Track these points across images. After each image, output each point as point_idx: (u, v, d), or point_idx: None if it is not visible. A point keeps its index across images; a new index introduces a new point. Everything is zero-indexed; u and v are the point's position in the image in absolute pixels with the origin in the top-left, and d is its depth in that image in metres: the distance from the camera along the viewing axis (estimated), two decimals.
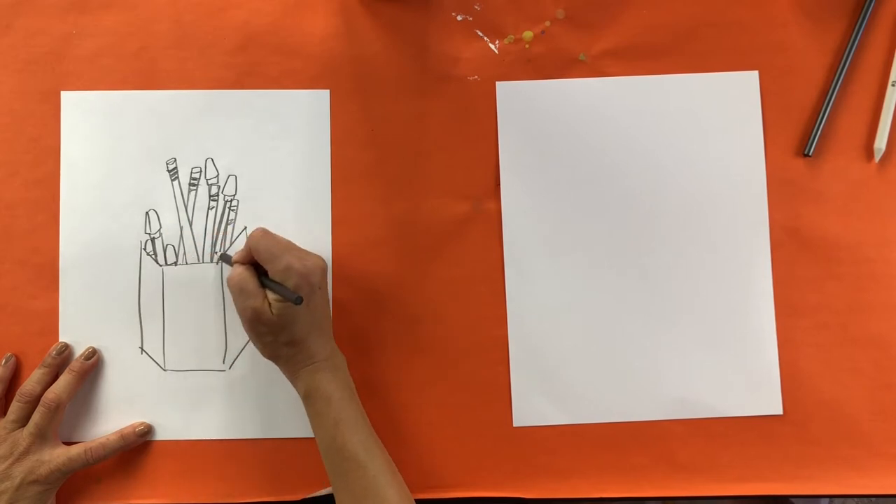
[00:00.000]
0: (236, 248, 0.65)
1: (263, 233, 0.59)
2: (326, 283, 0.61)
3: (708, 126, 0.67)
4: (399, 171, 0.67)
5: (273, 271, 0.58)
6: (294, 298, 0.55)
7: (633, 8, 0.68)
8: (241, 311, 0.58)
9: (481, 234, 0.66)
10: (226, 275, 0.62)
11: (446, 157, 0.67)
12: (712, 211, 0.66)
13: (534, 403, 0.65)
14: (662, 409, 0.65)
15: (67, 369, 0.63)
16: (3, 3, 0.67)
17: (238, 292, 0.58)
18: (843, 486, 0.65)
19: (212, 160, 0.66)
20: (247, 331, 0.60)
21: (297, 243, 0.63)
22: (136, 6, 0.67)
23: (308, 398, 0.59)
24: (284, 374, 0.60)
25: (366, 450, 0.57)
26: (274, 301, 0.57)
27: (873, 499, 0.71)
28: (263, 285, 0.58)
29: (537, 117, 0.67)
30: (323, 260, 0.60)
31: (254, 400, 0.65)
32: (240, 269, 0.59)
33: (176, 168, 0.66)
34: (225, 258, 0.65)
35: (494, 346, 0.65)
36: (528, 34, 0.68)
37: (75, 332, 0.65)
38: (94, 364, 0.64)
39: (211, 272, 0.66)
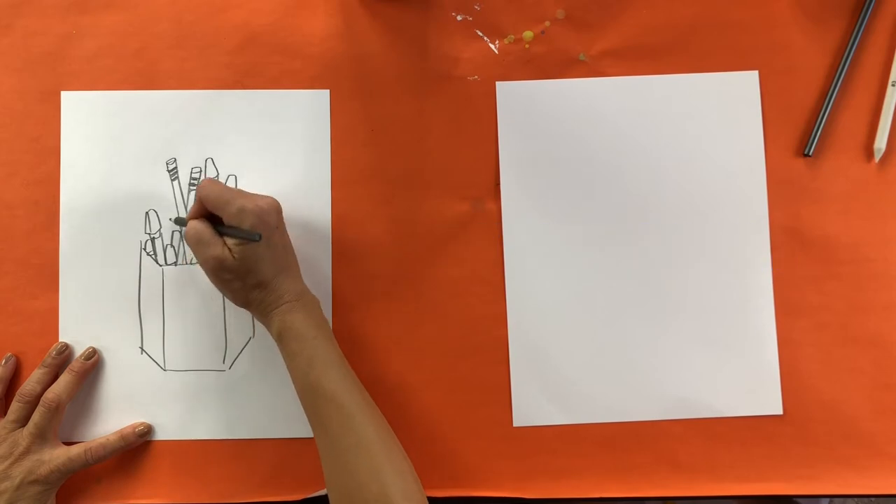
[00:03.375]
0: None
1: (211, 181, 0.59)
2: (283, 223, 0.60)
3: (708, 126, 0.67)
4: (399, 171, 0.67)
5: (227, 216, 0.57)
6: (252, 235, 0.56)
7: (633, 8, 0.68)
8: (204, 263, 0.58)
9: (481, 234, 0.66)
10: None
11: (446, 157, 0.67)
12: (712, 211, 0.66)
13: (534, 403, 0.65)
14: (662, 409, 0.65)
15: (67, 369, 0.63)
16: (3, 3, 0.67)
17: (196, 244, 0.58)
18: (844, 486, 0.65)
19: (212, 160, 0.66)
20: (213, 282, 0.59)
21: (297, 243, 0.63)
22: (136, 6, 0.67)
23: (280, 338, 0.58)
24: (257, 318, 0.60)
25: (341, 388, 0.57)
26: (234, 246, 0.57)
27: (873, 499, 0.71)
28: (222, 234, 0.58)
29: (537, 117, 0.67)
30: (276, 201, 0.59)
31: (254, 400, 0.65)
32: (194, 223, 0.58)
33: (176, 168, 0.66)
34: (179, 221, 0.64)
35: (494, 346, 0.65)
36: (528, 34, 0.68)
37: (75, 332, 0.65)
38: (94, 364, 0.64)
39: None
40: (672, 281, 0.66)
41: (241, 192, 0.59)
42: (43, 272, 0.65)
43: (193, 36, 0.67)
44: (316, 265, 0.66)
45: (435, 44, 0.67)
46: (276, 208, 0.59)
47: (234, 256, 0.57)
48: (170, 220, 0.65)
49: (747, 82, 0.67)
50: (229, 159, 0.66)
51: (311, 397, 0.57)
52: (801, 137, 0.67)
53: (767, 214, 0.66)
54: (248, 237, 0.56)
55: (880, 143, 0.66)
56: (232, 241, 0.57)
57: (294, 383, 0.58)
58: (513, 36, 0.68)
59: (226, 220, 0.58)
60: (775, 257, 0.66)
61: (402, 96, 0.67)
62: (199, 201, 0.59)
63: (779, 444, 0.65)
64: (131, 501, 0.64)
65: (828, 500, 0.98)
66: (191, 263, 0.66)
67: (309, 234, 0.66)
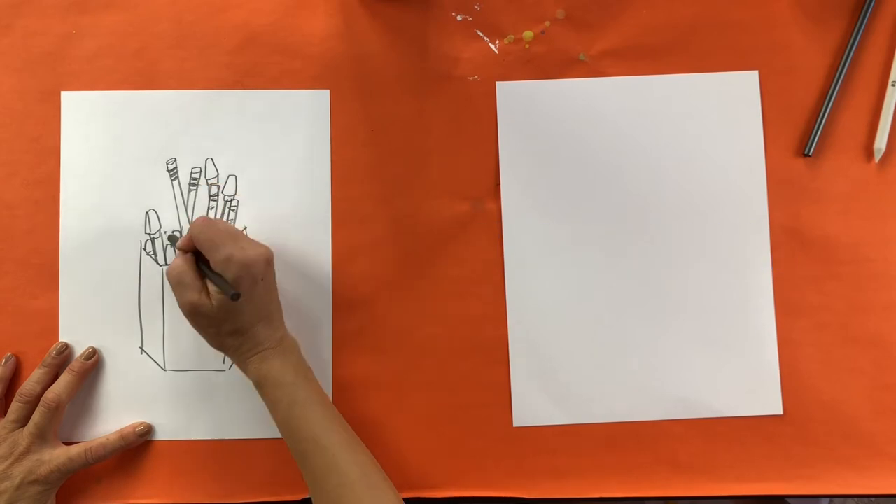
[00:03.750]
0: None
1: (206, 222, 0.58)
2: (272, 273, 0.60)
3: (708, 126, 0.67)
4: (399, 171, 0.67)
5: (214, 262, 0.57)
6: (231, 294, 0.55)
7: (633, 8, 0.68)
8: (181, 305, 0.58)
9: (481, 234, 0.66)
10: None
11: (446, 157, 0.67)
12: (712, 211, 0.66)
13: (534, 403, 0.65)
14: (662, 409, 0.65)
15: (67, 369, 0.63)
16: (3, 3, 0.67)
17: (176, 284, 0.57)
18: (843, 486, 0.65)
19: (212, 160, 0.66)
20: (190, 323, 0.59)
21: (297, 243, 0.63)
22: (136, 6, 0.67)
23: (259, 386, 0.58)
24: (234, 363, 0.60)
25: (323, 430, 0.57)
26: (214, 292, 0.57)
27: (873, 499, 0.71)
28: (205, 275, 0.58)
29: (537, 117, 0.67)
30: (268, 250, 0.59)
31: (254, 400, 0.64)
32: (178, 262, 0.58)
33: (176, 168, 0.66)
34: (172, 239, 0.64)
35: (494, 346, 0.65)
36: (528, 34, 0.68)
37: (75, 332, 0.65)
38: (94, 364, 0.64)
39: None
40: (672, 281, 0.66)
41: (234, 236, 0.58)
42: (43, 272, 0.65)
43: (193, 36, 0.67)
44: (316, 265, 0.66)
45: (435, 44, 0.67)
46: (265, 259, 0.58)
47: (212, 303, 0.57)
48: (164, 232, 0.65)
49: (747, 82, 0.67)
50: (229, 159, 0.66)
51: (294, 441, 0.57)
52: (801, 137, 0.67)
53: (767, 214, 0.66)
54: (226, 293, 0.55)
55: (880, 143, 0.66)
56: (213, 287, 0.57)
57: (277, 427, 0.58)
58: (513, 36, 0.68)
59: (212, 264, 0.57)
60: (775, 257, 0.66)
61: (402, 96, 0.67)
62: (190, 236, 0.58)
63: (779, 444, 0.65)
64: (131, 501, 0.64)
65: (828, 500, 0.98)
66: None
67: (309, 234, 0.66)
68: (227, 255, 0.56)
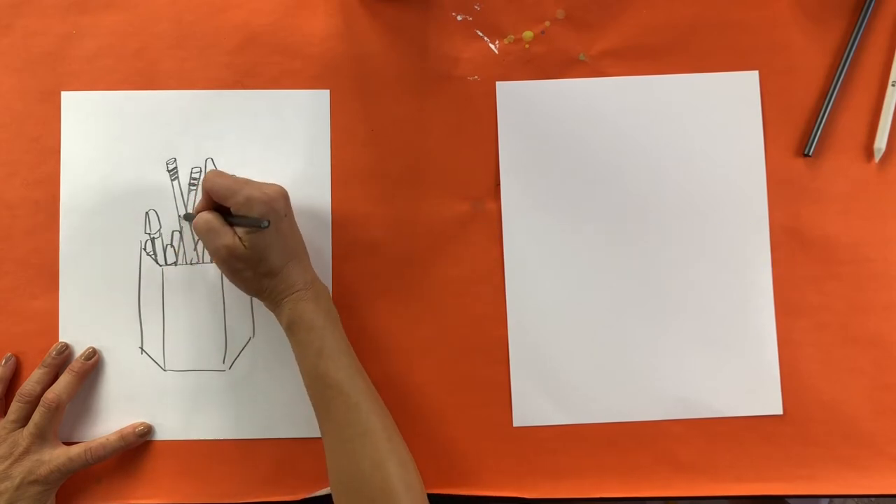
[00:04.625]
0: None
1: (215, 173, 0.59)
2: (291, 210, 0.60)
3: (708, 126, 0.67)
4: (399, 171, 0.67)
5: (235, 206, 0.57)
6: (261, 223, 0.56)
7: (633, 8, 0.68)
8: (214, 253, 0.58)
9: (481, 234, 0.66)
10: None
11: (446, 157, 0.67)
12: (712, 211, 0.66)
13: (534, 403, 0.65)
14: (662, 409, 0.65)
15: (67, 369, 0.63)
16: (3, 3, 0.67)
17: (206, 233, 0.58)
18: (843, 486, 0.65)
19: (212, 160, 0.66)
20: (224, 272, 0.59)
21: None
22: (136, 6, 0.67)
23: (290, 328, 0.59)
24: (267, 306, 0.60)
25: (348, 377, 0.57)
26: (244, 234, 0.57)
27: (873, 499, 0.71)
28: (230, 224, 0.58)
29: (537, 117, 0.67)
30: (283, 188, 0.59)
31: (254, 400, 0.65)
32: (203, 214, 0.58)
33: (176, 168, 0.66)
34: (188, 217, 0.64)
35: (494, 346, 0.65)
36: (528, 34, 0.68)
37: (75, 332, 0.65)
38: (94, 364, 0.64)
39: (211, 272, 0.66)
40: (672, 281, 0.66)
41: (246, 181, 0.59)
42: (43, 272, 0.65)
43: (193, 36, 0.67)
44: (316, 265, 0.65)
45: (435, 44, 0.67)
46: (283, 195, 0.59)
47: (244, 245, 0.57)
48: (180, 215, 0.65)
49: (747, 82, 0.67)
50: (229, 159, 0.66)
51: (318, 387, 0.58)
52: (801, 137, 0.67)
53: (767, 214, 0.66)
54: (256, 225, 0.56)
55: (880, 143, 0.66)
56: (241, 230, 0.57)
57: (301, 372, 0.59)
58: (513, 36, 0.68)
59: (233, 209, 0.58)
60: (775, 257, 0.66)
61: (402, 96, 0.67)
62: (206, 194, 0.59)
63: (778, 444, 0.65)
64: (131, 501, 0.64)
65: (828, 500, 0.98)
66: (190, 263, 0.66)
67: (309, 235, 0.66)
68: (247, 195, 0.57)
